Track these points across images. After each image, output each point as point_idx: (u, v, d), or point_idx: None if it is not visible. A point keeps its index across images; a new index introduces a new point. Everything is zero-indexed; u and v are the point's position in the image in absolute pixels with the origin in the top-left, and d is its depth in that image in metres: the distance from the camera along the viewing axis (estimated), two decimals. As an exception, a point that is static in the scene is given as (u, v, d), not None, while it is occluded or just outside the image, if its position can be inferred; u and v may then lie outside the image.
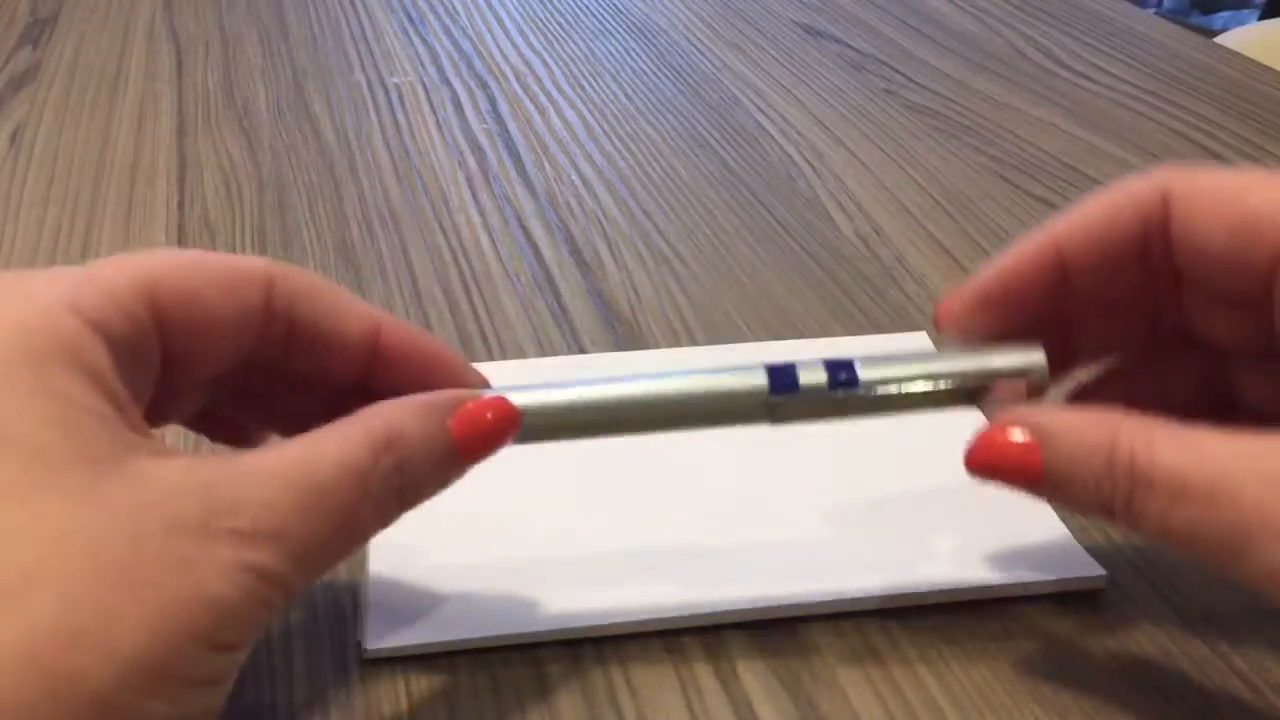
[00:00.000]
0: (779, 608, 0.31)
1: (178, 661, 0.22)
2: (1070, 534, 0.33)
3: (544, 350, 0.43)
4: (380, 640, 0.30)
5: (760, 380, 0.28)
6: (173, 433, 0.33)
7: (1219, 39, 1.09)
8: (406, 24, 0.76)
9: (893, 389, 0.29)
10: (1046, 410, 0.27)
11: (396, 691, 0.29)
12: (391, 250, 0.49)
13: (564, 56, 0.70)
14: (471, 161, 0.57)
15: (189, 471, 0.23)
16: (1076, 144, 0.58)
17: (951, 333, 0.30)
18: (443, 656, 0.30)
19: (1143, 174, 0.28)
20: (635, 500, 0.34)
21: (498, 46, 0.72)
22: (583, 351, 0.43)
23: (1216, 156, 0.57)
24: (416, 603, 0.31)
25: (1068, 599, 0.32)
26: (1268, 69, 0.67)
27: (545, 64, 0.69)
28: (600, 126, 0.61)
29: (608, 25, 0.75)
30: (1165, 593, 0.32)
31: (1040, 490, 0.27)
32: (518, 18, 0.77)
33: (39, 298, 0.24)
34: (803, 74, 0.67)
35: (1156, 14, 1.04)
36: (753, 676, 0.30)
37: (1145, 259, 0.29)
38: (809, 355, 0.29)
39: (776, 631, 0.31)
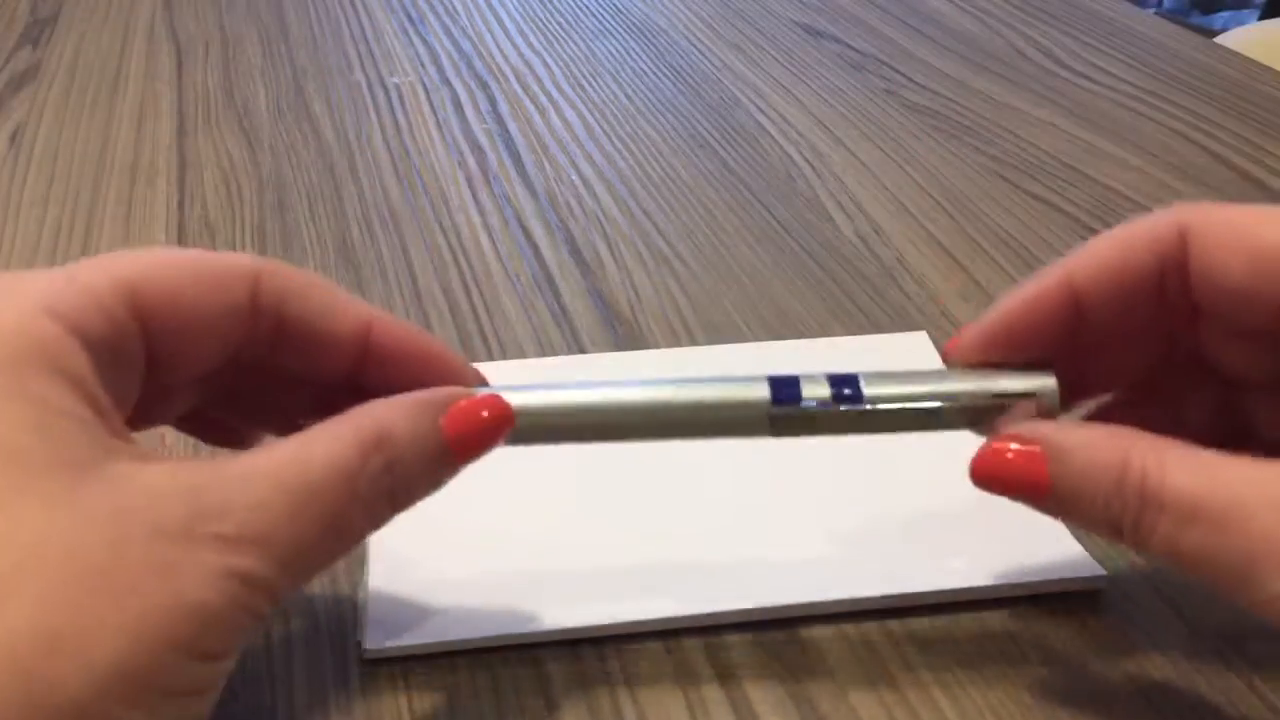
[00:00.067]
0: (779, 608, 0.31)
1: (158, 671, 0.21)
2: (1070, 534, 0.33)
3: (544, 350, 0.43)
4: (380, 641, 0.30)
5: (763, 392, 0.28)
6: (170, 435, 0.33)
7: (1219, 39, 1.09)
8: (406, 24, 0.76)
9: (897, 407, 0.28)
10: (1057, 425, 0.27)
11: (396, 691, 0.29)
12: (391, 250, 0.49)
13: (564, 56, 0.70)
14: (471, 161, 0.57)
15: (172, 475, 0.23)
16: (1076, 144, 0.58)
17: (960, 366, 0.29)
18: (443, 656, 0.30)
19: (1159, 210, 0.28)
20: (636, 500, 0.34)
21: (498, 46, 0.72)
22: (583, 351, 0.43)
23: (1216, 156, 0.57)
24: (416, 603, 0.31)
25: (1068, 599, 0.32)
26: (1268, 69, 0.67)
27: (545, 64, 0.69)
28: (600, 126, 0.61)
29: (608, 25, 0.75)
30: (1165, 593, 0.32)
31: (1046, 505, 0.26)
32: (518, 18, 0.77)
33: (17, 302, 0.24)
34: (803, 74, 0.67)
35: (1156, 14, 1.04)
36: (753, 676, 0.30)
37: (1161, 293, 0.28)
38: (813, 368, 0.29)
39: (776, 632, 0.31)
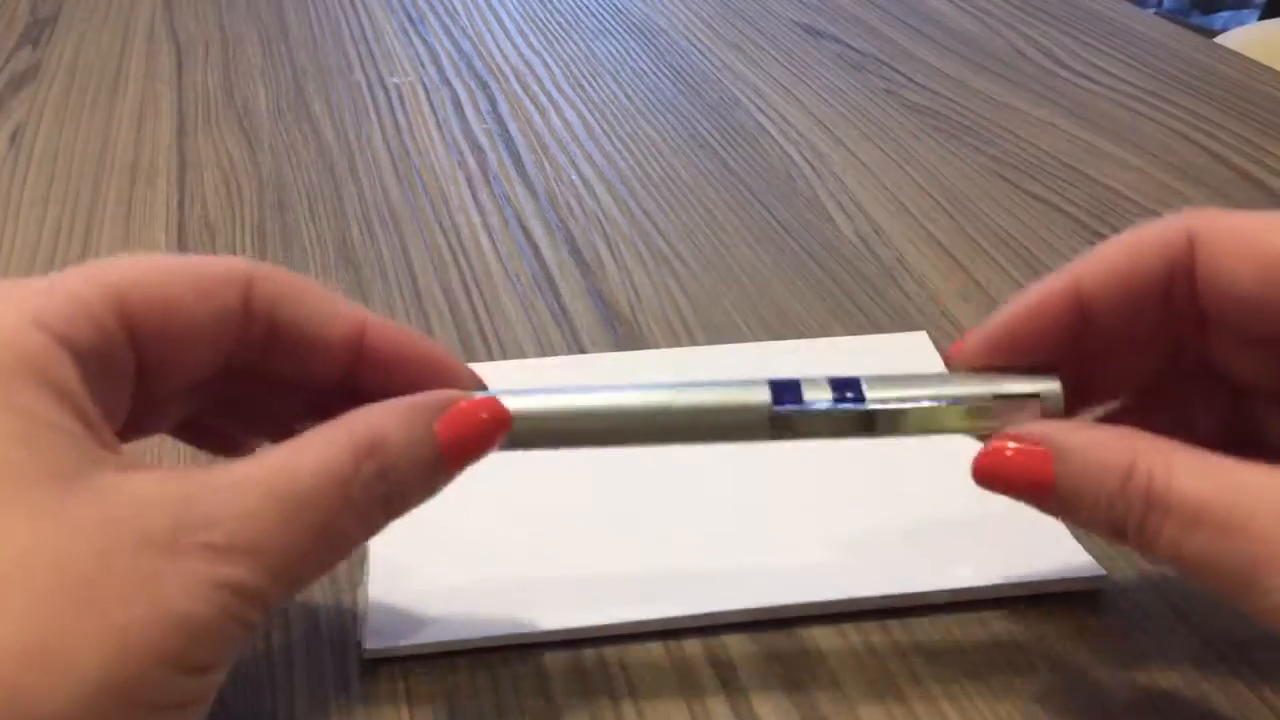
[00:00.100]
0: (779, 608, 0.31)
1: (146, 683, 0.21)
2: (1070, 534, 0.33)
3: (544, 350, 0.43)
4: (380, 640, 0.30)
5: (763, 396, 0.28)
6: (167, 443, 0.33)
7: (1219, 39, 1.09)
8: (406, 24, 0.76)
9: (900, 409, 0.28)
10: (1062, 424, 0.27)
11: (396, 691, 0.29)
12: (391, 250, 0.49)
13: (564, 56, 0.70)
14: (471, 161, 0.57)
15: (161, 485, 0.22)
16: (1076, 144, 0.58)
17: (963, 370, 0.29)
18: (443, 656, 0.30)
19: (1167, 216, 0.28)
20: (636, 500, 0.34)
21: (498, 46, 0.72)
22: (583, 351, 0.43)
23: (1216, 156, 0.57)
24: (416, 603, 0.31)
25: (1068, 599, 0.32)
26: (1268, 69, 0.67)
27: (545, 64, 0.69)
28: (600, 126, 0.61)
29: (608, 25, 0.75)
30: (1164, 592, 0.32)
31: (1049, 505, 0.26)
32: (518, 18, 0.77)
33: (3, 312, 0.23)
34: (803, 74, 0.67)
35: (1156, 14, 1.04)
36: (753, 677, 0.30)
37: (1168, 300, 0.28)
38: (813, 368, 0.29)
39: (776, 632, 0.31)
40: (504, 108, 0.63)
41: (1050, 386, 0.28)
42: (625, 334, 0.44)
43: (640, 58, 0.70)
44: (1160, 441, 0.25)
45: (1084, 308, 0.28)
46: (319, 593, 0.32)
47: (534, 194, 0.54)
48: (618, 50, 0.71)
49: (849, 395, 0.28)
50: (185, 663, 0.22)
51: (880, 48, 0.70)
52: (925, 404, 0.28)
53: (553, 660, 0.30)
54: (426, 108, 0.63)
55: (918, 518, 0.34)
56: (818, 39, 0.72)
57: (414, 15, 0.77)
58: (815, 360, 0.41)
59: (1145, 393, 0.31)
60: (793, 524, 0.34)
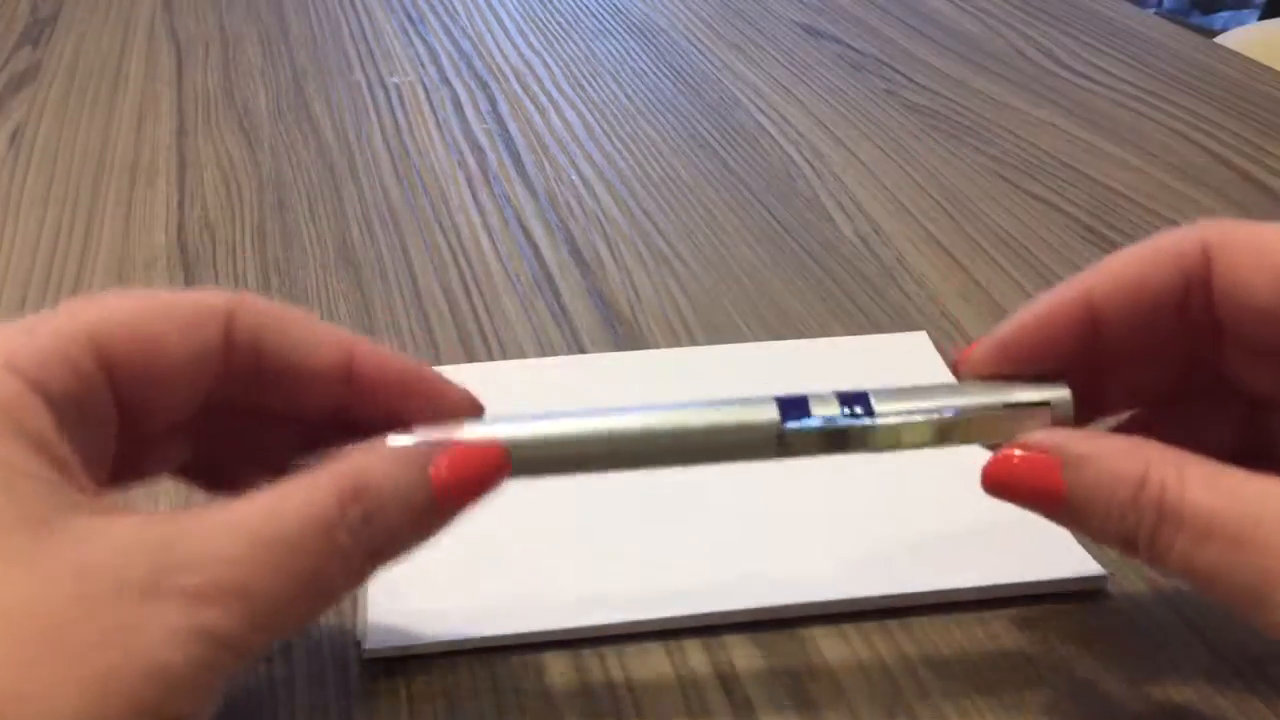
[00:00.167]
0: (779, 608, 0.31)
1: None
2: (1072, 535, 0.33)
3: (544, 350, 0.43)
4: (380, 640, 0.30)
5: (770, 414, 0.27)
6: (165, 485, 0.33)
7: (1219, 39, 1.09)
8: (406, 24, 0.76)
9: (910, 422, 0.27)
10: (1073, 433, 0.26)
11: (396, 691, 0.29)
12: (391, 250, 0.49)
13: (564, 56, 0.70)
14: (471, 161, 0.57)
15: (140, 530, 0.22)
16: (1076, 144, 0.58)
17: (970, 379, 0.29)
18: (443, 656, 0.30)
19: (1182, 227, 0.28)
20: (636, 500, 0.34)
21: (498, 46, 0.72)
22: (583, 351, 0.43)
23: (1217, 157, 0.57)
24: (416, 603, 0.31)
25: (1068, 599, 0.32)
26: (1268, 69, 0.67)
27: (545, 64, 0.69)
28: (600, 126, 0.61)
29: (608, 25, 0.75)
30: (1165, 592, 0.32)
31: (1059, 515, 0.26)
32: (518, 18, 0.77)
33: None
34: (803, 74, 0.67)
35: (1156, 14, 1.04)
36: (753, 677, 0.30)
37: (1182, 311, 0.28)
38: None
39: (776, 631, 0.31)
40: (504, 108, 0.63)
41: (1060, 394, 0.28)
42: (625, 334, 0.44)
43: (640, 58, 0.70)
44: (1172, 452, 0.25)
45: (1095, 318, 0.28)
46: (319, 593, 0.32)
47: (534, 194, 0.54)
48: (618, 50, 0.71)
49: (857, 410, 0.27)
50: (163, 713, 0.21)
51: (880, 48, 0.70)
52: (935, 416, 0.27)
53: (553, 660, 0.30)
54: (426, 108, 0.63)
55: (918, 518, 0.34)
56: (818, 39, 0.72)
57: (414, 15, 0.77)
58: (815, 360, 0.41)
59: (1157, 405, 0.30)
60: (793, 524, 0.34)
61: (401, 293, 0.46)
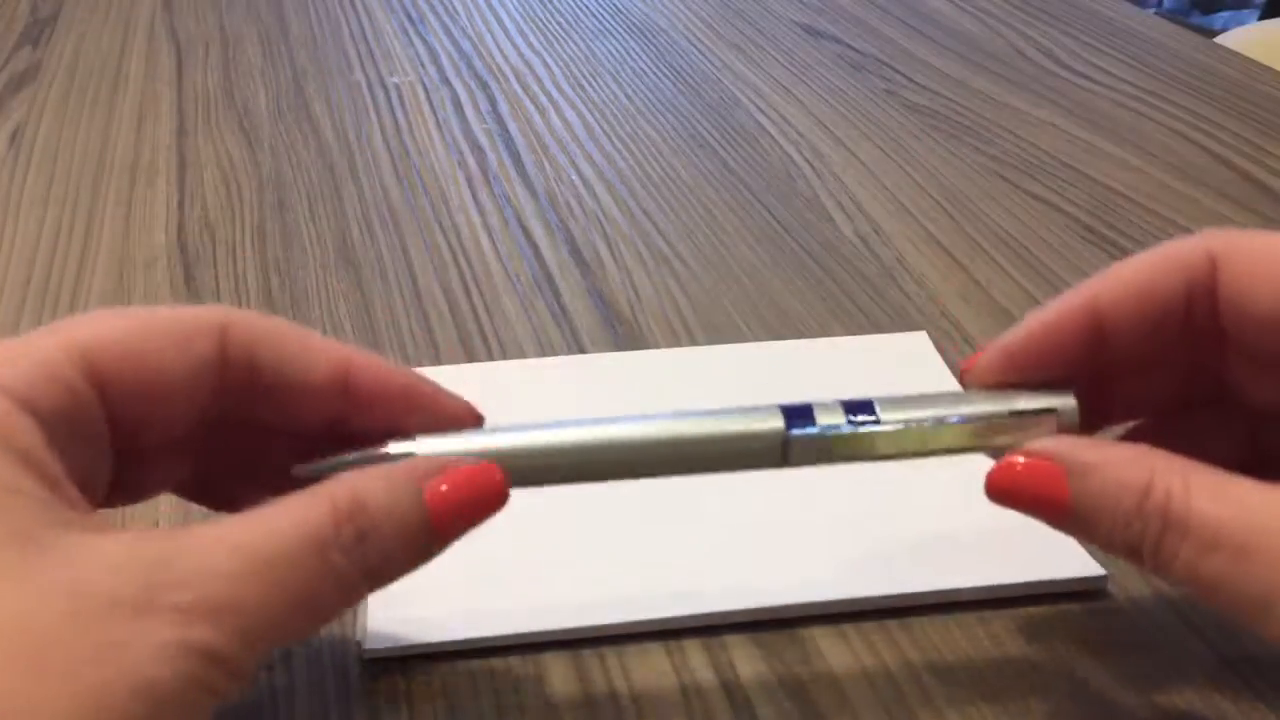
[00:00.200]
0: (779, 608, 0.31)
1: None
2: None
3: (544, 350, 0.43)
4: (380, 640, 0.30)
5: (776, 423, 0.27)
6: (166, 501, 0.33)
7: (1219, 39, 1.09)
8: (406, 24, 0.76)
9: (913, 430, 0.27)
10: (1078, 441, 0.26)
11: (396, 691, 0.29)
12: (391, 250, 0.49)
13: (564, 56, 0.70)
14: (471, 161, 0.57)
15: (131, 546, 0.22)
16: (1076, 144, 0.58)
17: (975, 387, 0.29)
18: (443, 656, 0.30)
19: (1188, 236, 0.28)
20: (636, 500, 0.34)
21: (498, 46, 0.72)
22: (583, 351, 0.43)
23: (1217, 157, 0.57)
24: (416, 603, 0.31)
25: (1068, 598, 0.32)
26: (1268, 69, 0.67)
27: (545, 64, 0.69)
28: (600, 126, 0.61)
29: (608, 25, 0.75)
30: (1165, 593, 0.32)
31: (1064, 523, 0.26)
32: (518, 18, 0.77)
33: None
34: (803, 74, 0.67)
35: (1156, 14, 1.04)
36: (753, 676, 0.30)
37: (1187, 320, 0.28)
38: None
39: (776, 631, 0.31)
40: (504, 108, 0.63)
41: (1066, 403, 0.27)
42: (625, 334, 0.44)
43: (640, 58, 0.70)
44: (1178, 461, 0.25)
45: (1101, 327, 0.28)
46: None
47: (534, 194, 0.54)
48: (618, 50, 0.71)
49: (863, 418, 0.27)
50: None
51: (880, 48, 0.70)
52: (941, 424, 0.27)
53: (553, 660, 0.30)
54: (426, 108, 0.63)
55: (918, 518, 0.34)
56: (818, 39, 0.72)
57: (414, 15, 0.77)
58: (815, 360, 0.41)
59: (1161, 414, 0.30)
60: (793, 524, 0.34)
61: (401, 293, 0.46)
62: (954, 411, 0.27)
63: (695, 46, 0.71)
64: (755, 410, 0.27)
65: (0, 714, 0.20)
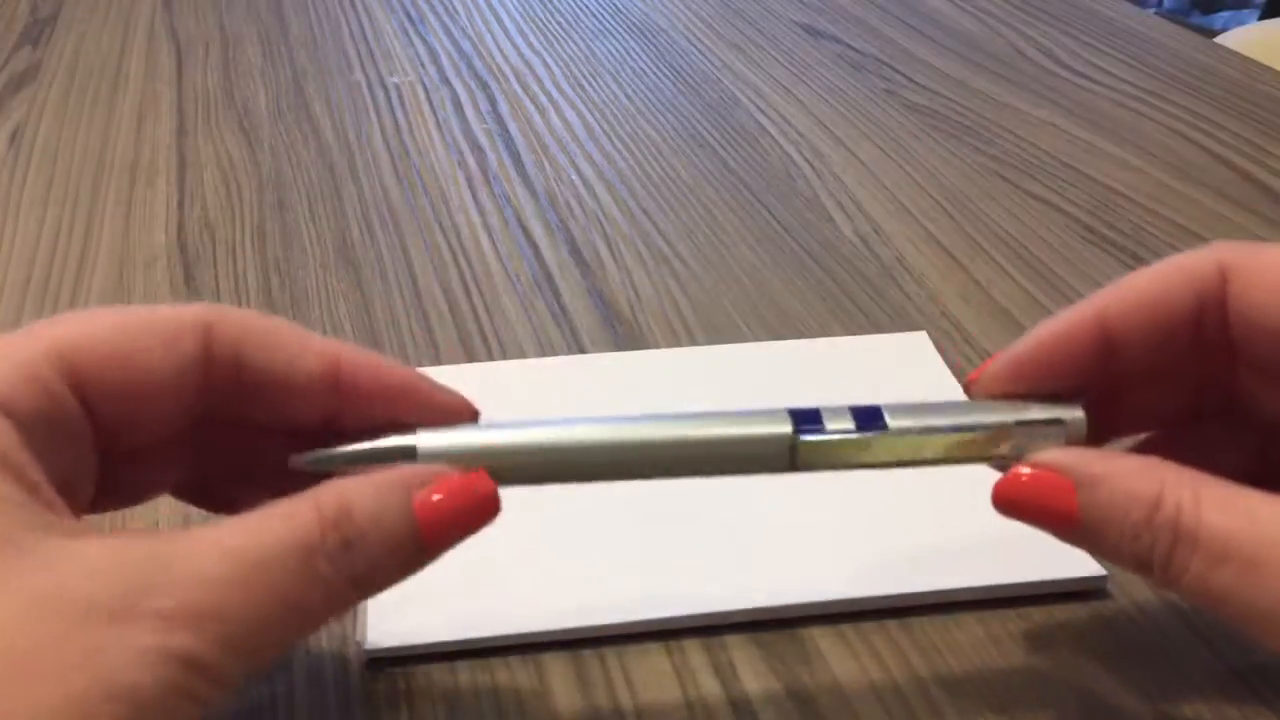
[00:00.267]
0: (779, 608, 0.31)
1: None
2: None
3: (544, 350, 0.43)
4: (380, 640, 0.30)
5: (784, 427, 0.27)
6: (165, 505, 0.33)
7: (1219, 39, 1.09)
8: (406, 24, 0.76)
9: (921, 439, 0.27)
10: (1086, 452, 0.26)
11: (396, 691, 0.29)
12: (391, 250, 0.49)
13: (564, 56, 0.70)
14: (471, 161, 0.57)
15: (113, 551, 0.21)
16: (1076, 144, 0.58)
17: (982, 398, 0.28)
18: (443, 656, 0.30)
19: (1198, 248, 0.28)
20: (636, 500, 0.34)
21: (498, 46, 0.72)
22: (583, 351, 0.43)
23: (1217, 157, 0.57)
24: (416, 603, 0.31)
25: (1068, 599, 0.32)
26: (1268, 69, 0.67)
27: (545, 64, 0.69)
28: (600, 126, 0.61)
29: (608, 25, 0.75)
30: (1165, 592, 0.32)
31: (1071, 535, 0.26)
32: (518, 18, 0.77)
33: None
34: (803, 74, 0.67)
35: (1157, 14, 1.04)
36: (753, 676, 0.30)
37: (1197, 333, 0.28)
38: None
39: (776, 631, 0.31)
40: (504, 108, 0.63)
41: (1074, 414, 0.27)
42: (625, 334, 0.44)
43: (640, 58, 0.70)
44: (1188, 473, 0.24)
45: (1110, 338, 0.27)
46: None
47: (534, 194, 0.54)
48: (618, 50, 0.71)
49: (872, 425, 0.27)
50: None
51: (880, 48, 0.70)
52: (949, 433, 0.27)
53: (553, 660, 0.30)
54: (426, 108, 0.63)
55: (918, 519, 0.34)
56: (818, 39, 0.72)
57: (414, 15, 0.77)
58: (815, 360, 0.41)
59: (1170, 427, 0.30)
60: (793, 525, 0.34)
61: (401, 293, 0.46)
62: (962, 420, 0.27)
63: (695, 46, 0.71)
64: (763, 414, 0.27)
65: None
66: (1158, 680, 0.29)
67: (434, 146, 0.59)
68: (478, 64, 0.69)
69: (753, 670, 0.30)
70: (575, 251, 0.49)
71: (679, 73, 0.68)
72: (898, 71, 0.67)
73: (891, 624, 0.31)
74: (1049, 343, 0.28)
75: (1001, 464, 0.27)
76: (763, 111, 0.62)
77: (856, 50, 0.70)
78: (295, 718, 0.29)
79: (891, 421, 0.27)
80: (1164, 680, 0.29)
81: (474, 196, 0.54)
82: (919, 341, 0.42)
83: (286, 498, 0.23)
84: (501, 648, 0.30)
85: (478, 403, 0.28)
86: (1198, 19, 2.41)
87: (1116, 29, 0.73)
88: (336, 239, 0.50)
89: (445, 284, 0.47)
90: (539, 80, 0.67)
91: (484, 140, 0.59)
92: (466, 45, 0.72)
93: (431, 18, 0.77)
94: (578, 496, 0.34)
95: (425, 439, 0.26)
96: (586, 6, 0.78)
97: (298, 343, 0.26)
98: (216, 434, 0.27)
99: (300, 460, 0.26)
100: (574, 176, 0.56)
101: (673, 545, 0.33)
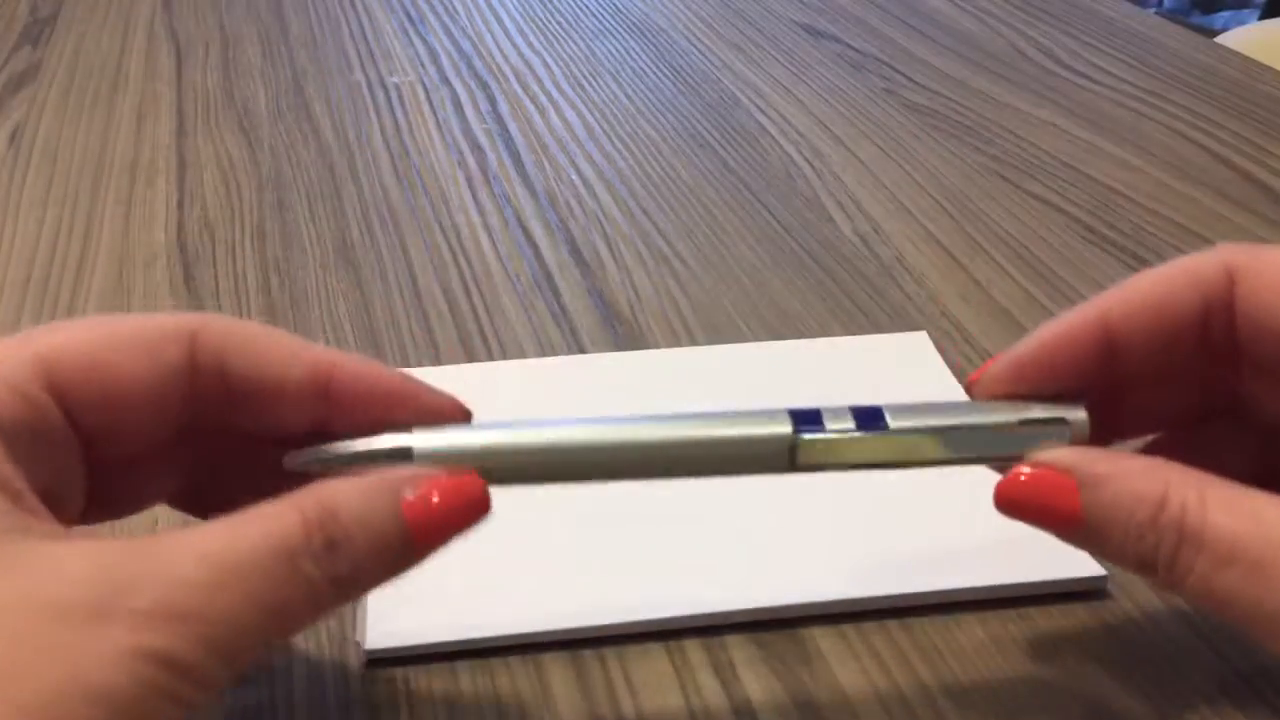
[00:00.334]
0: (779, 608, 0.31)
1: None
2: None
3: (544, 350, 0.43)
4: (380, 640, 0.30)
5: (784, 427, 0.26)
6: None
7: (1219, 39, 1.09)
8: (406, 24, 0.76)
9: (923, 439, 0.27)
10: (1090, 452, 0.26)
11: (396, 691, 0.29)
12: (391, 250, 0.49)
13: (564, 56, 0.70)
14: (471, 161, 0.57)
15: (89, 553, 0.21)
16: (1076, 144, 0.58)
17: (984, 398, 0.28)
18: (443, 656, 0.30)
19: (1206, 250, 0.28)
20: (636, 500, 0.34)
21: (498, 46, 0.72)
22: (583, 351, 0.43)
23: (1217, 156, 0.57)
24: (416, 603, 0.31)
25: (1069, 599, 0.32)
26: (1268, 69, 0.67)
27: (545, 64, 0.69)
28: (600, 126, 0.61)
29: (608, 25, 0.75)
30: (1166, 593, 0.32)
31: (1074, 536, 0.25)
32: (518, 18, 0.77)
33: None
34: (803, 74, 0.67)
35: (1157, 14, 1.04)
36: (753, 676, 0.30)
37: (1202, 335, 0.27)
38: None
39: (776, 631, 0.31)
40: (504, 108, 0.63)
41: (1077, 416, 0.27)
42: (625, 334, 0.44)
43: (640, 58, 0.70)
44: (1193, 474, 0.24)
45: (1113, 340, 0.27)
46: (319, 593, 0.32)
47: (534, 194, 0.54)
48: (618, 50, 0.71)
49: (872, 425, 0.27)
50: None
51: (880, 48, 0.70)
52: (950, 433, 0.27)
53: (553, 660, 0.30)
54: (426, 108, 0.63)
55: (917, 518, 0.34)
56: (818, 39, 0.72)
57: (414, 15, 0.77)
58: (815, 360, 0.41)
59: (1174, 429, 0.30)
60: (793, 524, 0.34)
61: (401, 293, 0.46)
62: (964, 421, 0.27)
63: (695, 46, 0.71)
64: (763, 414, 0.27)
65: None
66: (1158, 680, 0.29)
67: (434, 146, 0.59)
68: (478, 64, 0.69)
69: (753, 670, 0.30)
70: (575, 251, 0.49)
71: (679, 73, 0.68)
72: (898, 71, 0.67)
73: (892, 624, 0.31)
74: (1051, 344, 0.28)
75: (1002, 465, 0.27)
76: (763, 111, 0.62)
77: (856, 50, 0.70)
78: (295, 718, 0.29)
79: (892, 422, 0.27)
80: (1164, 680, 0.29)
81: (474, 196, 0.54)
82: (919, 341, 0.42)
83: (269, 501, 0.23)
84: (501, 648, 0.30)
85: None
86: (1198, 19, 2.41)
87: (1117, 29, 0.73)
88: (336, 239, 0.50)
89: (445, 284, 0.47)
90: (539, 80, 0.67)
91: (484, 140, 0.59)
92: (466, 45, 0.72)
93: (431, 18, 0.77)
94: (578, 497, 0.34)
95: (421, 439, 0.26)
96: (586, 6, 0.78)
97: (284, 349, 0.26)
98: (209, 443, 0.27)
99: (295, 459, 0.26)
100: (574, 176, 0.56)
101: (673, 545, 0.33)
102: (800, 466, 0.27)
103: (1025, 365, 0.28)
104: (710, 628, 0.31)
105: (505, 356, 0.42)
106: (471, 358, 0.42)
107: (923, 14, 0.76)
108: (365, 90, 0.66)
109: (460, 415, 0.27)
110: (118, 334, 0.25)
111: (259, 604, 0.22)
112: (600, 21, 0.76)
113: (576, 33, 0.74)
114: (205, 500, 0.29)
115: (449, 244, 0.50)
